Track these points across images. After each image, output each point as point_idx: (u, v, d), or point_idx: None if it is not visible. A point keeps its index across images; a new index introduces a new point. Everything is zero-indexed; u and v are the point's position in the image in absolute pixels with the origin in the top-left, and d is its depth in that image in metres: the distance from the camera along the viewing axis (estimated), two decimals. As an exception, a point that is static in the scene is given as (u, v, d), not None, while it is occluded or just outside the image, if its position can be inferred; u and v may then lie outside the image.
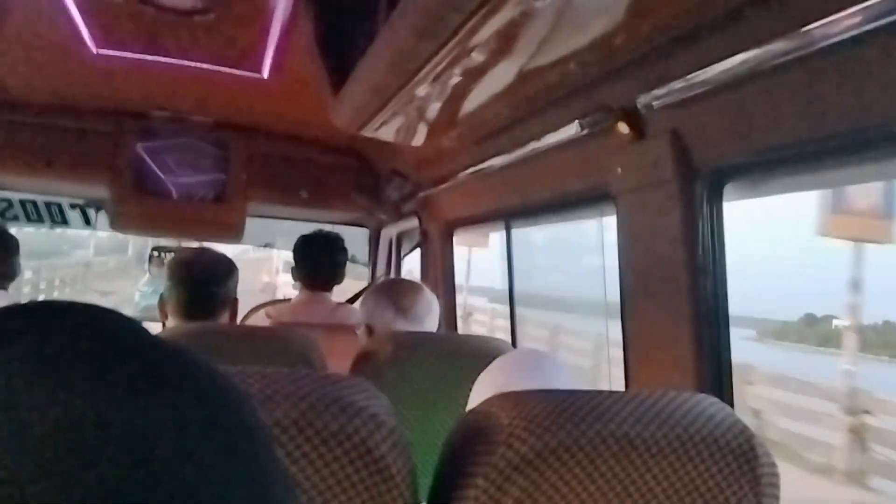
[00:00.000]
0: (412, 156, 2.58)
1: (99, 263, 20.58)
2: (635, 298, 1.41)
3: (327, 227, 3.75)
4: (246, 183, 3.10)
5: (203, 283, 1.70)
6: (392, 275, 3.52)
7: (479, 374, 1.09)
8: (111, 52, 2.41)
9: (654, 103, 1.23)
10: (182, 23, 2.08)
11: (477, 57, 1.27)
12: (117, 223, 3.07)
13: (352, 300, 3.30)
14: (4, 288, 2.29)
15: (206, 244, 1.85)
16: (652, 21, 1.14)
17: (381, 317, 1.86)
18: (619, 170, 1.40)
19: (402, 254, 3.40)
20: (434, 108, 1.69)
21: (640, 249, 1.37)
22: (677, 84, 1.15)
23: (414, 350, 1.59)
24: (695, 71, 1.09)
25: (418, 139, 2.05)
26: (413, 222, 2.95)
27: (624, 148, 1.37)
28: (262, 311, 2.78)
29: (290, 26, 2.02)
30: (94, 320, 0.30)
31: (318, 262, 2.72)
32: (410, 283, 2.08)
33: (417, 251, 3.07)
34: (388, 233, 3.56)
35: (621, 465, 0.71)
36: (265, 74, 2.50)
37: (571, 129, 1.48)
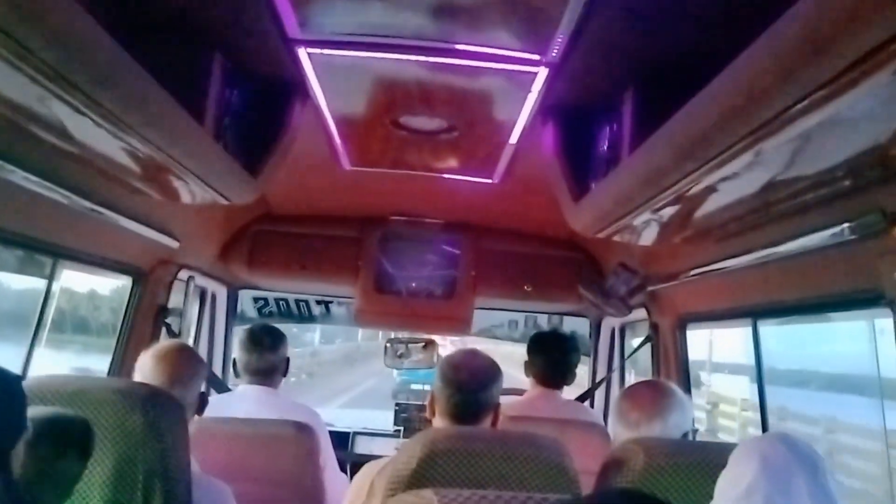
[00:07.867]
0: (640, 251, 2.58)
1: (326, 352, 22.19)
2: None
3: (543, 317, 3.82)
4: (475, 279, 3.25)
5: (471, 388, 1.73)
6: (615, 366, 3.48)
7: None
8: (361, 168, 2.69)
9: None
10: (428, 141, 2.28)
11: (730, 169, 1.27)
12: (360, 319, 3.34)
13: (581, 397, 3.29)
14: (273, 385, 2.52)
15: (472, 346, 1.92)
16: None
17: (625, 422, 1.81)
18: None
19: (628, 347, 3.35)
20: (671, 212, 1.70)
21: None
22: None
23: (667, 459, 1.54)
24: None
25: (648, 238, 2.06)
26: (637, 314, 2.92)
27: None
28: None
29: (527, 139, 2.14)
30: None
31: (551, 360, 2.79)
32: (652, 383, 2.02)
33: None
34: (610, 324, 3.54)
35: None
36: (495, 180, 2.65)
37: (833, 231, 1.42)
